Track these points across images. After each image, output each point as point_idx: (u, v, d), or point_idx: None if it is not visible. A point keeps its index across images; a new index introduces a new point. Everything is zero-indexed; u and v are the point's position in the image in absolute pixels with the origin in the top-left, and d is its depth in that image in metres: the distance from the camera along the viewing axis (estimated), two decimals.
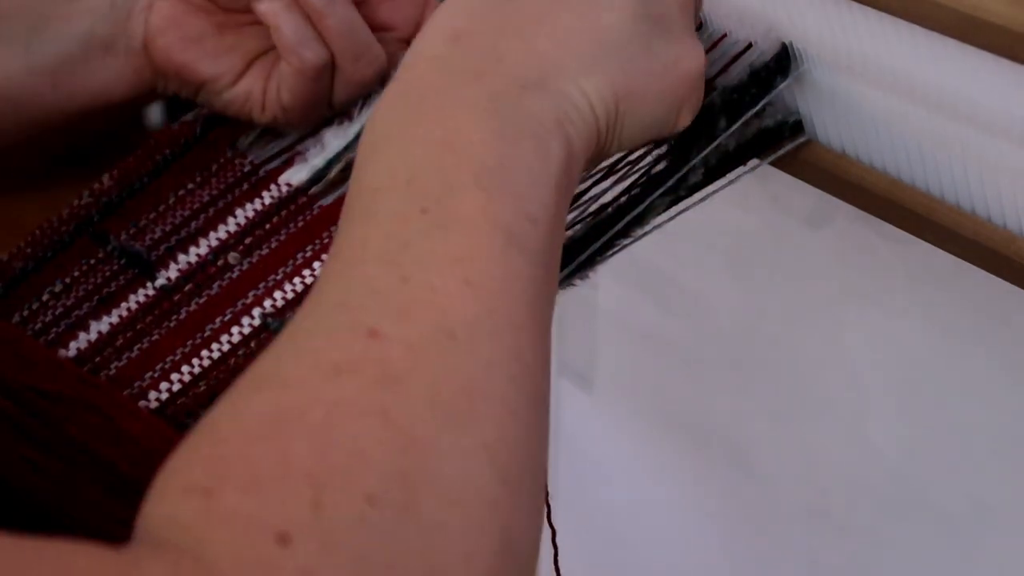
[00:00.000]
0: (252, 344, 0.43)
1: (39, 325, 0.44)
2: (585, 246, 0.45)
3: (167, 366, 0.42)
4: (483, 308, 0.31)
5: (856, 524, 0.66)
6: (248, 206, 0.47)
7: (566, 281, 0.45)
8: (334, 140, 0.48)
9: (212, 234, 0.47)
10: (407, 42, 0.48)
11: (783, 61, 0.45)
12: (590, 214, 0.45)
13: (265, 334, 0.43)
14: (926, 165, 0.44)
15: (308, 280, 0.45)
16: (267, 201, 0.48)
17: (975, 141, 0.41)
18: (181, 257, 0.46)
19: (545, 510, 0.31)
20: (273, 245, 0.46)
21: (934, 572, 0.64)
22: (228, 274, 0.45)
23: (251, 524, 0.25)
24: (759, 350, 0.66)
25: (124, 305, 0.45)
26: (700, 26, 0.47)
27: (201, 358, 0.43)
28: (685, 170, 0.44)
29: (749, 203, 0.59)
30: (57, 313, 0.44)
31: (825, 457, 0.66)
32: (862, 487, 0.65)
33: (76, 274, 0.45)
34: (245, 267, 0.46)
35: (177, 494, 0.27)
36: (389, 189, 0.33)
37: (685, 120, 0.41)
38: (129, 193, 0.48)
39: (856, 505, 0.66)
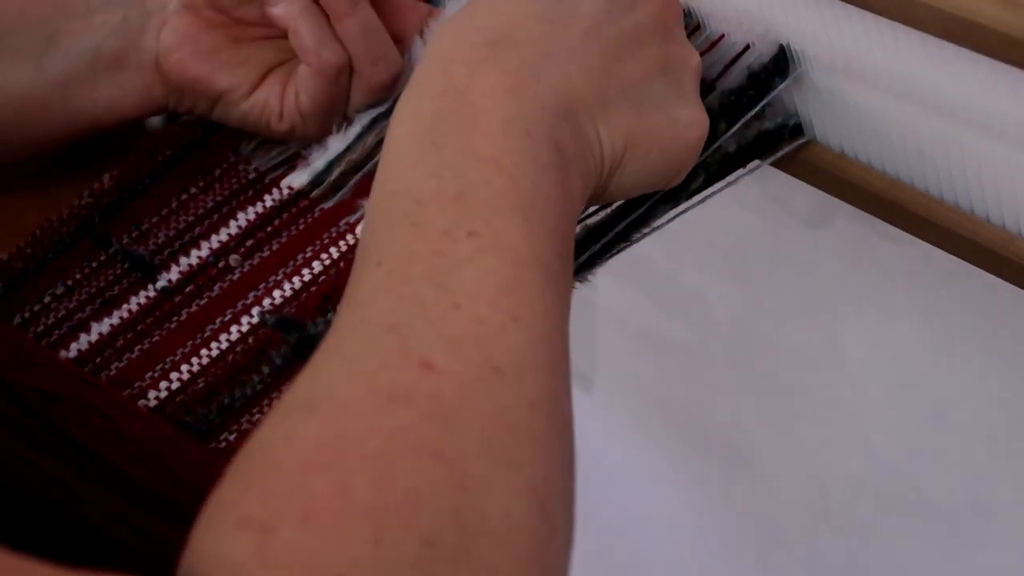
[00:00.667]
0: (250, 340, 0.43)
1: (41, 328, 0.44)
2: (585, 248, 0.45)
3: (167, 366, 0.42)
4: (527, 344, 0.30)
5: (856, 524, 0.66)
6: (250, 209, 0.47)
7: None
8: (334, 142, 0.48)
9: (214, 237, 0.47)
10: None
11: (781, 62, 0.45)
12: (590, 216, 0.45)
13: (263, 330, 0.43)
14: (925, 166, 0.45)
15: (307, 278, 0.45)
16: (268, 204, 0.48)
17: (972, 142, 0.41)
18: (182, 259, 0.46)
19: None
20: (274, 247, 0.46)
21: (934, 572, 0.64)
22: (229, 276, 0.45)
23: (310, 566, 0.24)
24: (759, 350, 0.66)
25: (125, 307, 0.44)
26: (698, 27, 0.47)
27: (200, 356, 0.43)
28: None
29: (749, 203, 0.59)
30: (59, 316, 0.44)
31: (825, 457, 0.66)
32: (862, 487, 0.65)
33: (78, 276, 0.45)
34: (246, 269, 0.46)
35: (230, 528, 0.26)
36: (436, 201, 0.33)
37: (678, 179, 0.41)
38: (130, 195, 0.48)
39: (856, 505, 0.66)
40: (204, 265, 0.46)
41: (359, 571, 0.25)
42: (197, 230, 0.47)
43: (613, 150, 0.38)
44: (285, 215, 0.47)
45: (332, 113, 0.47)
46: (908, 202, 0.46)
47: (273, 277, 0.45)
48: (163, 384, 0.42)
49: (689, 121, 0.40)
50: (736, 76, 0.45)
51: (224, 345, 0.43)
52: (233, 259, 0.46)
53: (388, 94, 0.48)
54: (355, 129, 0.48)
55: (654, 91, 0.39)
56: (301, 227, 0.47)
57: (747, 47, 0.46)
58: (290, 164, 0.49)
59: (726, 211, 0.60)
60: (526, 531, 0.28)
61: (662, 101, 0.39)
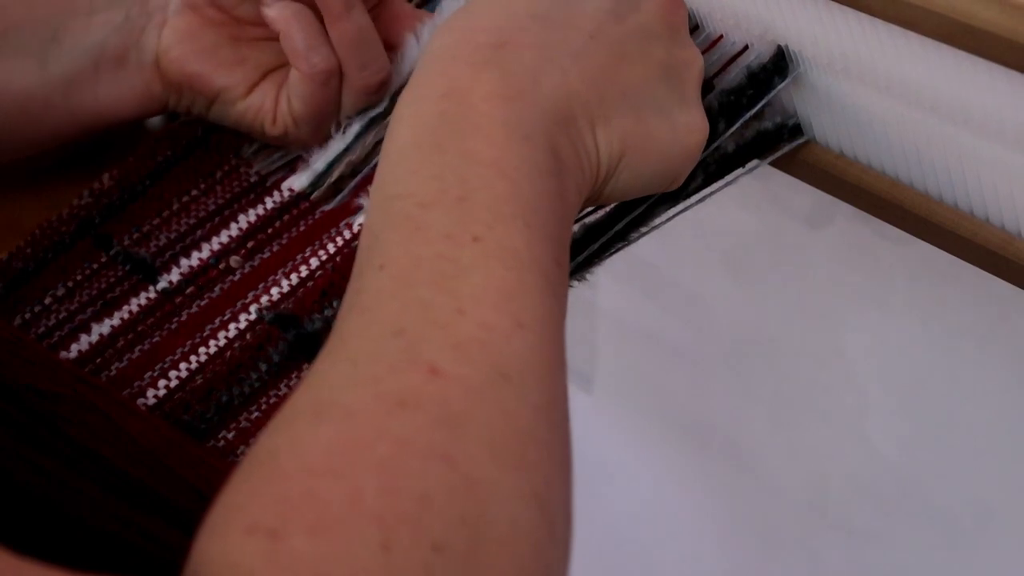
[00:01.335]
0: (248, 337, 0.43)
1: (42, 329, 0.44)
2: (583, 248, 0.45)
3: (166, 365, 0.43)
4: (531, 349, 0.31)
5: (856, 524, 0.66)
6: (251, 211, 0.47)
7: None
8: (334, 143, 0.48)
9: (215, 239, 0.47)
10: None
11: (780, 63, 0.45)
12: (588, 215, 0.45)
13: (261, 326, 0.43)
14: (924, 167, 0.45)
15: (304, 274, 0.45)
16: (269, 206, 0.48)
17: (970, 143, 0.41)
18: (183, 261, 0.46)
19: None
20: (275, 248, 0.46)
21: (934, 572, 0.64)
22: (230, 277, 0.45)
23: (319, 573, 0.24)
24: (759, 350, 0.66)
25: (126, 308, 0.45)
26: (696, 27, 0.47)
27: (199, 354, 0.43)
28: None
29: (749, 203, 0.59)
30: (60, 318, 0.44)
31: (825, 457, 0.66)
32: (862, 487, 0.65)
33: (79, 278, 0.45)
34: (246, 270, 0.46)
35: (238, 535, 0.26)
36: (438, 204, 0.33)
37: (676, 184, 0.41)
38: (131, 196, 0.48)
39: (856, 505, 0.66)
40: (205, 267, 0.46)
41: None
42: (198, 233, 0.47)
43: (610, 155, 0.37)
44: (286, 217, 0.47)
45: (324, 119, 0.47)
46: (908, 202, 0.46)
47: (272, 276, 0.45)
48: (162, 383, 0.42)
49: (689, 126, 0.40)
50: (735, 75, 0.45)
51: (222, 342, 0.43)
52: (234, 260, 0.46)
53: (377, 98, 0.48)
54: (354, 129, 0.48)
55: (655, 95, 0.39)
56: (301, 228, 0.47)
57: (746, 47, 0.46)
58: (291, 167, 0.49)
59: (726, 211, 0.60)
60: (530, 536, 0.28)
61: (663, 105, 0.39)
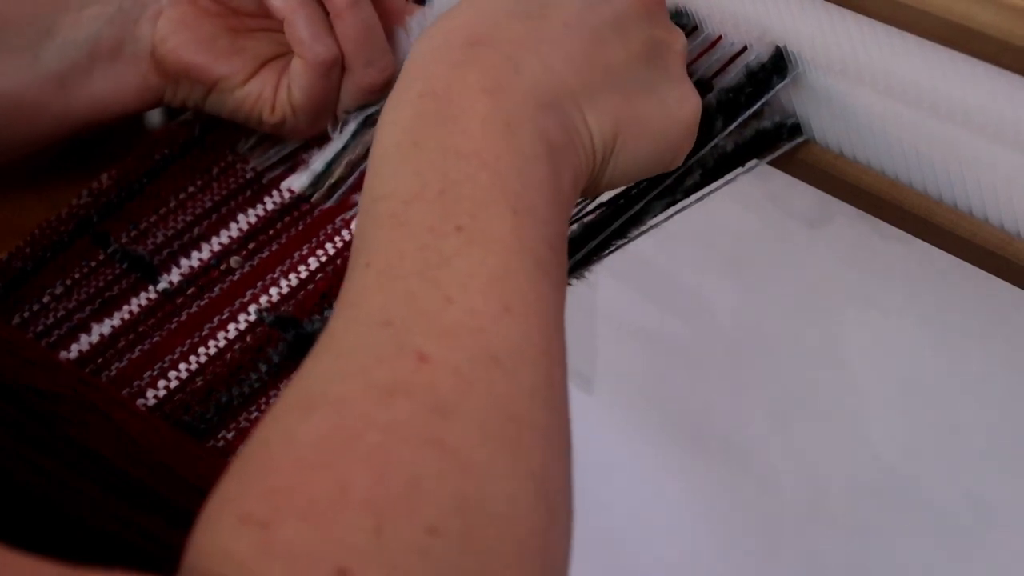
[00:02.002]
0: (248, 338, 0.43)
1: (40, 328, 0.44)
2: (581, 246, 0.45)
3: (165, 365, 0.43)
4: (522, 334, 0.31)
5: (856, 524, 0.66)
6: (250, 211, 0.48)
7: None
8: (332, 141, 0.48)
9: (214, 239, 0.47)
10: None
11: (779, 63, 0.45)
12: (587, 213, 0.45)
13: (261, 328, 0.43)
14: (923, 167, 0.45)
15: (303, 275, 0.45)
16: (269, 207, 0.48)
17: (968, 144, 0.41)
18: (183, 261, 0.46)
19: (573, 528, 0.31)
20: (274, 248, 0.46)
21: (934, 572, 0.64)
22: (230, 278, 0.45)
23: (310, 559, 0.25)
24: (759, 350, 0.66)
25: (126, 308, 0.45)
26: (695, 28, 0.47)
27: (199, 355, 0.43)
28: (682, 171, 0.44)
29: (749, 203, 0.59)
30: (59, 316, 0.44)
31: (825, 457, 0.66)
32: (862, 487, 0.65)
33: (77, 276, 0.45)
34: (246, 270, 0.46)
35: (231, 525, 0.26)
36: (420, 199, 0.33)
37: (677, 162, 0.41)
38: (129, 194, 0.48)
39: (856, 505, 0.66)
40: (206, 267, 0.46)
41: (361, 561, 0.25)
42: (196, 230, 0.47)
43: (604, 137, 0.37)
44: (286, 218, 0.47)
45: (322, 109, 0.47)
46: (908, 202, 0.46)
47: (270, 275, 0.45)
48: (162, 383, 0.42)
49: (680, 100, 0.40)
50: (734, 75, 0.45)
51: (222, 343, 0.43)
52: (234, 261, 0.46)
53: (379, 96, 0.48)
54: (351, 127, 0.48)
55: (640, 76, 0.39)
56: (301, 228, 0.47)
57: (745, 48, 0.46)
58: (288, 165, 0.49)
59: (726, 211, 0.60)
60: (528, 517, 0.28)
61: (649, 84, 0.39)
